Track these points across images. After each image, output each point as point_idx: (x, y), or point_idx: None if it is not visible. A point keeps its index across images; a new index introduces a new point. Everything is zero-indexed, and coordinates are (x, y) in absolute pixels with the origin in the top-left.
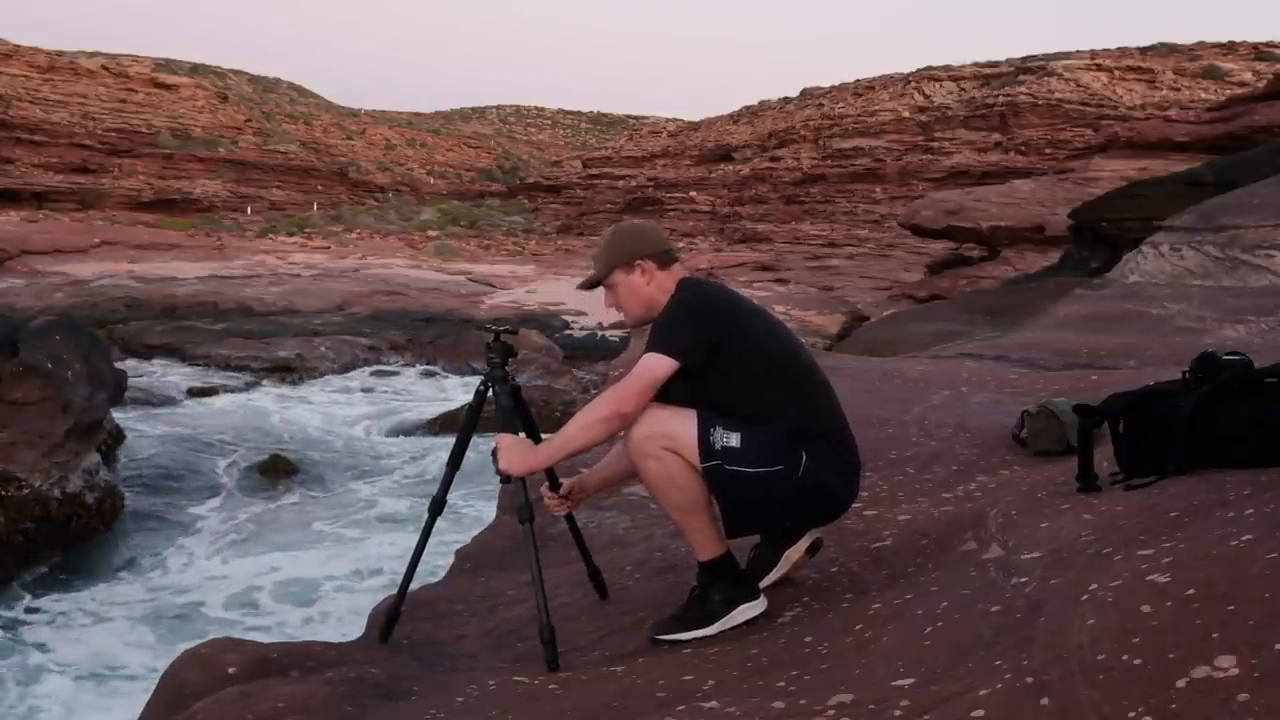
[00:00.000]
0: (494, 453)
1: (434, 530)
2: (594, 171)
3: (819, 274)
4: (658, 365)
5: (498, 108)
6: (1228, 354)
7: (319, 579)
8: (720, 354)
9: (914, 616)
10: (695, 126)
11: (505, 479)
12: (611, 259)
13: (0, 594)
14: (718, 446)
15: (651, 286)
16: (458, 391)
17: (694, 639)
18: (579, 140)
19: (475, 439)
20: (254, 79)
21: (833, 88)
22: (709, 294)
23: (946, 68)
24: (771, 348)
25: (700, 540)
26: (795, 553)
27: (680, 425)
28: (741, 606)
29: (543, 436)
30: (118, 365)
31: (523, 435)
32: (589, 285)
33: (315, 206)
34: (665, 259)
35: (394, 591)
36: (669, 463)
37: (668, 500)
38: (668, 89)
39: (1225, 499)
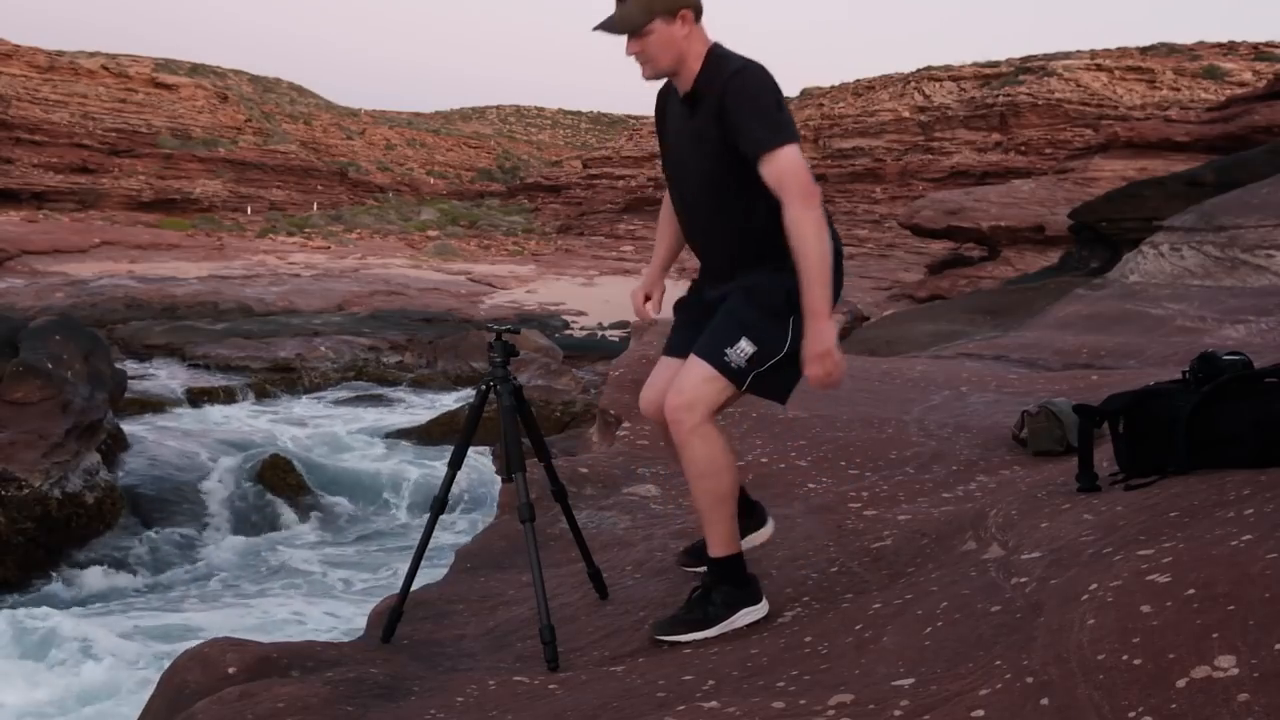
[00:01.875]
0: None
1: (434, 530)
2: (594, 171)
3: None
4: (796, 154)
5: (498, 108)
6: (1228, 354)
7: (316, 579)
8: None
9: (914, 616)
10: None
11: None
12: (655, 5)
13: (0, 593)
14: (742, 364)
15: (687, 40)
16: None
17: (694, 640)
18: (579, 140)
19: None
20: (254, 79)
21: (833, 87)
22: (769, 75)
23: (946, 68)
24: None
25: (720, 534)
26: (759, 537)
27: (700, 375)
28: (743, 610)
29: (543, 437)
30: (117, 365)
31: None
32: (614, 28)
33: (315, 206)
34: (700, 12)
35: (394, 591)
36: (716, 444)
37: (703, 487)
38: None
39: (1225, 499)
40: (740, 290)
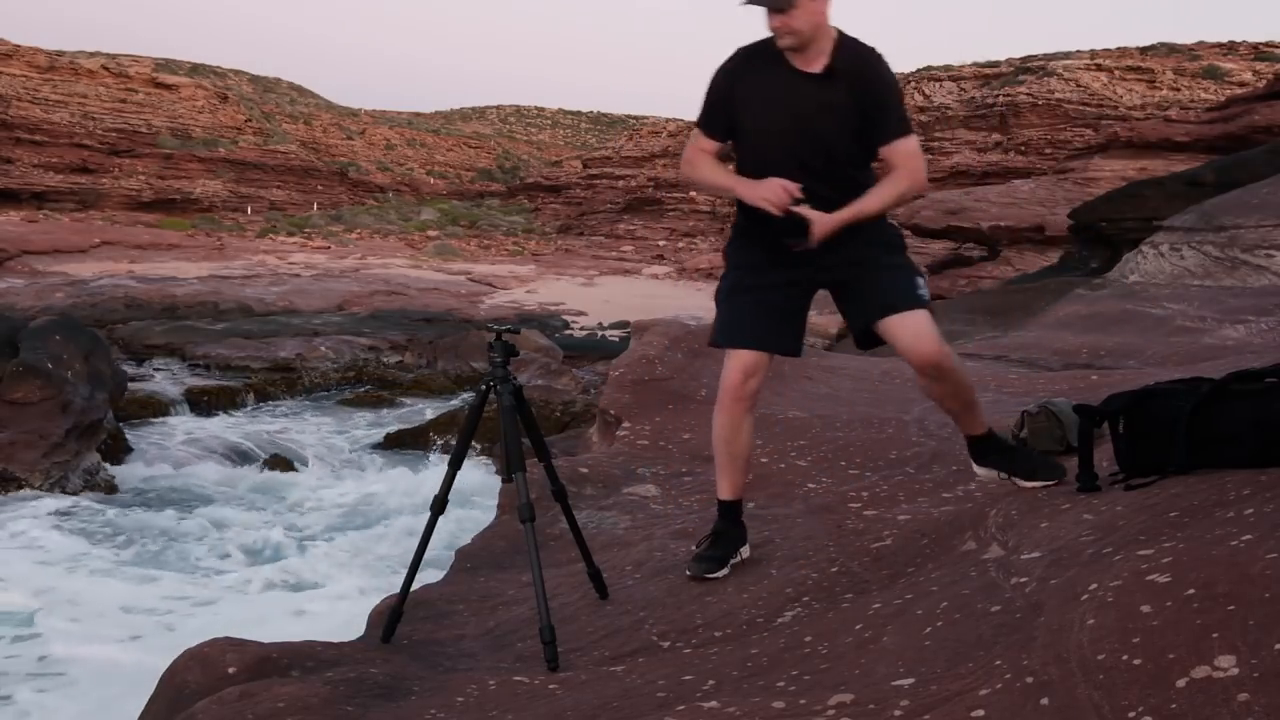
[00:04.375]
0: (794, 227)
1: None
2: (594, 171)
3: None
4: (917, 145)
5: (498, 108)
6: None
7: (316, 579)
8: None
9: (914, 616)
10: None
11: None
12: None
13: None
14: (928, 297)
15: (823, 19)
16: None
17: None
18: (579, 140)
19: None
20: (254, 79)
21: None
22: None
23: (946, 68)
24: None
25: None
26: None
27: (926, 319)
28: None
29: (543, 437)
30: (117, 365)
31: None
32: (766, 2)
33: (315, 206)
34: None
35: (394, 591)
36: (960, 362)
37: (967, 398)
38: (668, 89)
39: (1225, 499)
40: (880, 244)
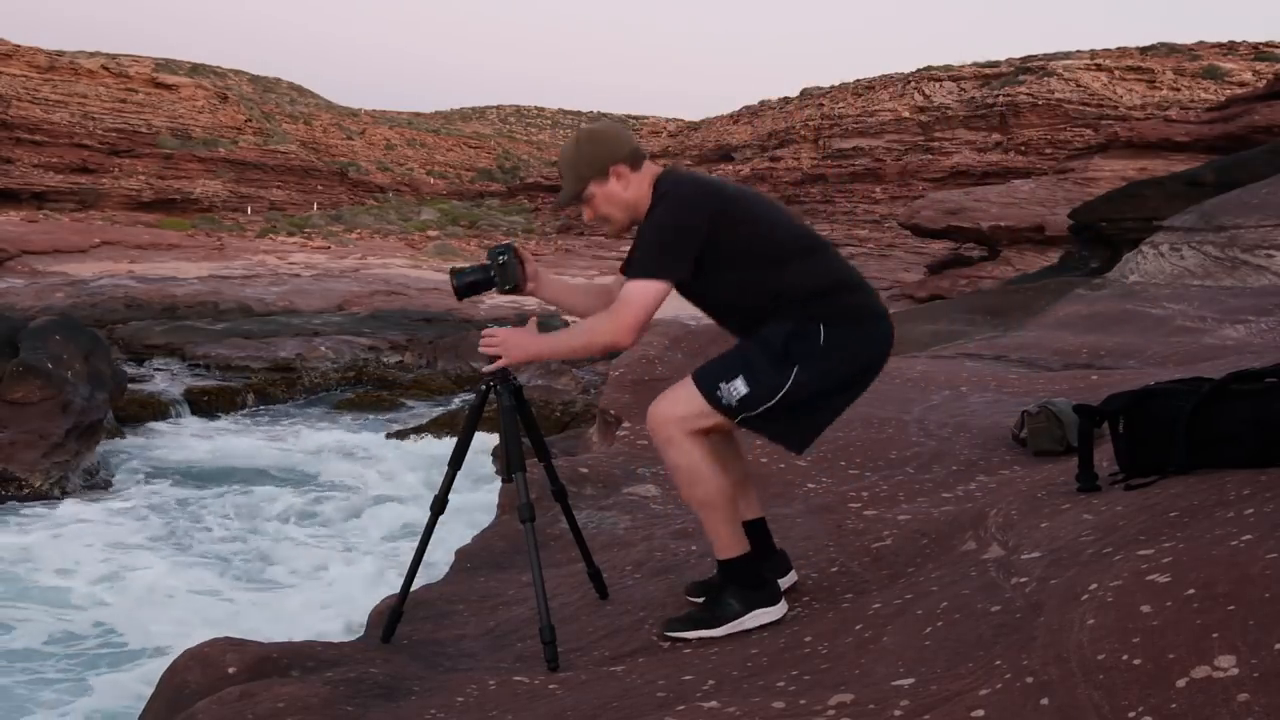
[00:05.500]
0: (486, 340)
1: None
2: None
3: None
4: (650, 292)
5: (498, 108)
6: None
7: (316, 578)
8: (713, 251)
9: (914, 616)
10: (695, 126)
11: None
12: (585, 172)
13: None
14: (733, 403)
15: (630, 191)
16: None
17: (699, 638)
18: None
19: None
20: (254, 79)
21: (833, 88)
22: (687, 199)
23: (946, 68)
24: (760, 224)
25: (719, 538)
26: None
27: (690, 398)
28: (756, 611)
29: (543, 437)
30: (117, 365)
31: (528, 326)
32: (564, 204)
33: (315, 206)
34: (636, 159)
35: (394, 591)
36: (692, 454)
37: (690, 494)
38: (668, 89)
39: (1225, 499)
40: (755, 337)
